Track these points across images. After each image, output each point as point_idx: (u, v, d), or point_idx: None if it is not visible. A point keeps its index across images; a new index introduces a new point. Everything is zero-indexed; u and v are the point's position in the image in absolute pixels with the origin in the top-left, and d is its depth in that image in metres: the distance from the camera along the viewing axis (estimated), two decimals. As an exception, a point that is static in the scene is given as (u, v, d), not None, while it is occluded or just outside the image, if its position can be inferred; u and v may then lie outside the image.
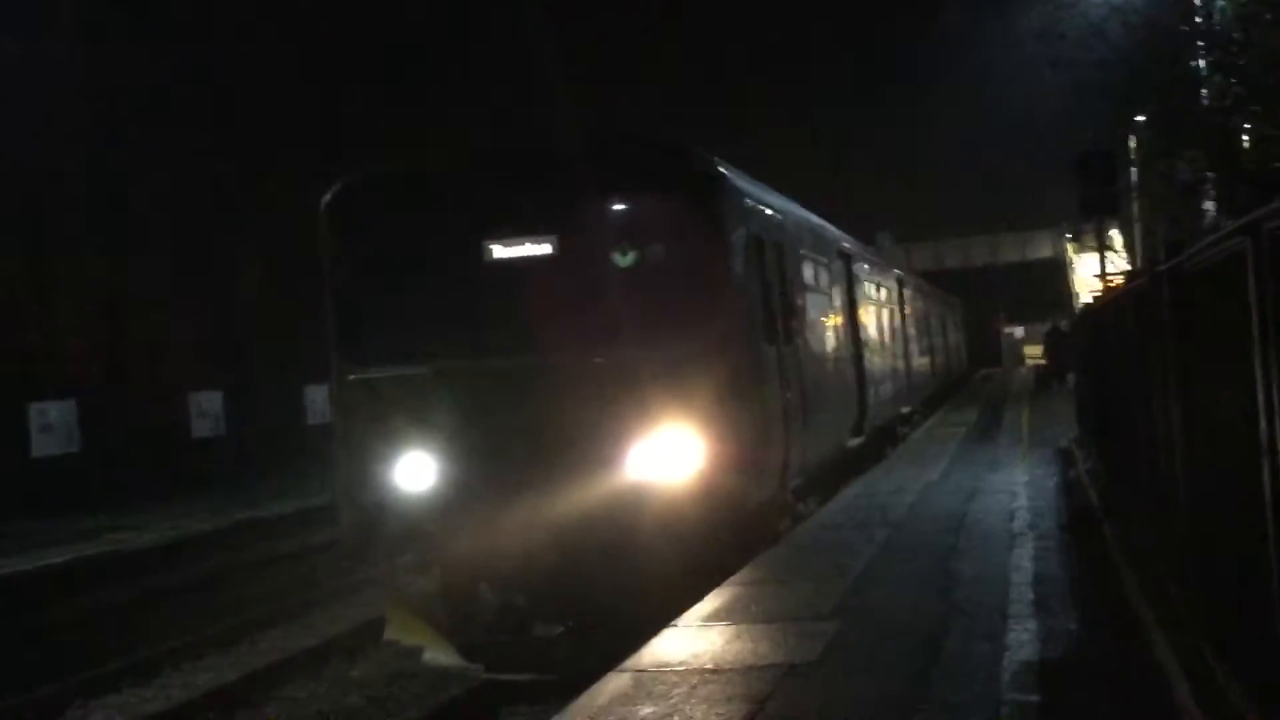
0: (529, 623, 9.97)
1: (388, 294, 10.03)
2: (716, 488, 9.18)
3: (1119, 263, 28.41)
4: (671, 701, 5.88)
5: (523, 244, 9.67)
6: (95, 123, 25.44)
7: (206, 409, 27.54)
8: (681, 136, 10.67)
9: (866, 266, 18.30)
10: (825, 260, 14.34)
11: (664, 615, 7.83)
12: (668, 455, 9.17)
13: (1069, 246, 45.60)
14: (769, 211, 11.46)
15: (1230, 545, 4.68)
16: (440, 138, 27.55)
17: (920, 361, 25.11)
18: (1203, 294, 5.06)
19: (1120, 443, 9.65)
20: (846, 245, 16.76)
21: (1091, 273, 30.21)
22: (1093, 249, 26.66)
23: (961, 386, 38.87)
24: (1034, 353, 46.89)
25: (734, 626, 7.39)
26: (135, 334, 26.75)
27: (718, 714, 5.65)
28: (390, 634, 10.18)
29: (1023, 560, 8.90)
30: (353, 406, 10.15)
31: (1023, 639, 6.59)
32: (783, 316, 11.13)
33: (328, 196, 10.21)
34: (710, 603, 8.15)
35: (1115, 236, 31.81)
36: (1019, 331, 58.44)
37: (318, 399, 28.85)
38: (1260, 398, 3.77)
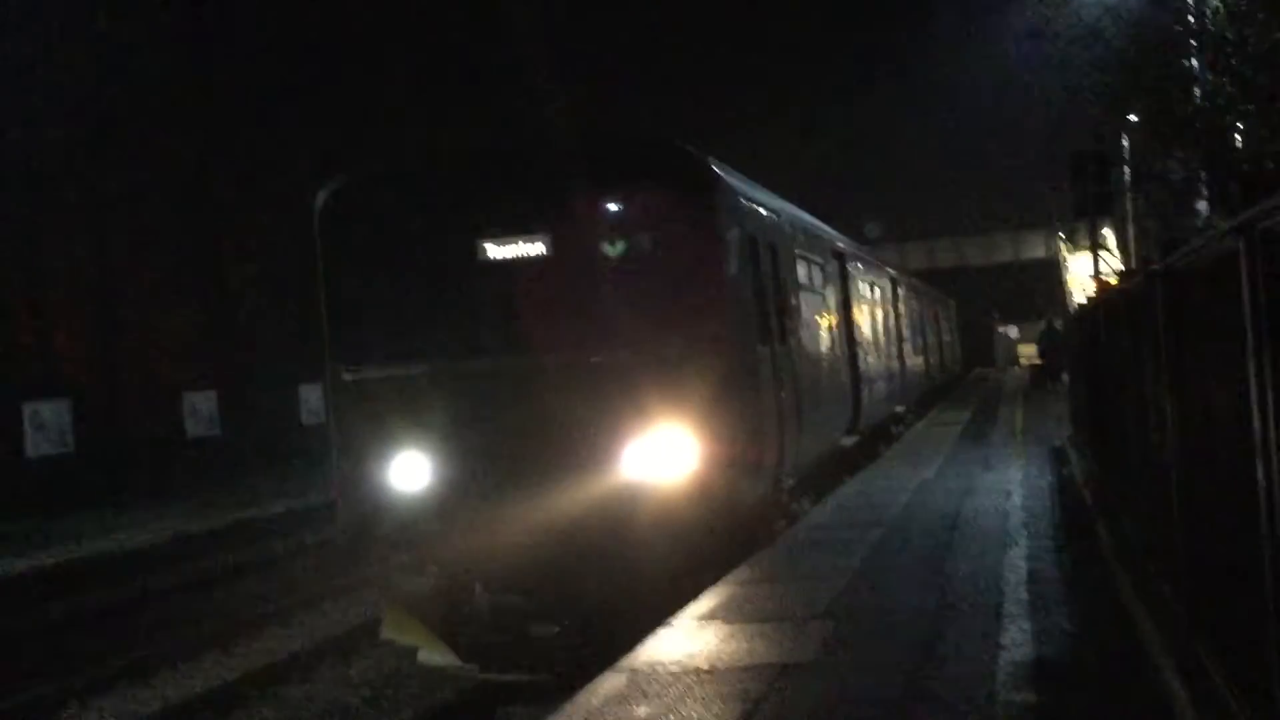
0: (524, 622, 9.96)
1: (382, 294, 10.03)
2: (711, 487, 9.19)
3: (1113, 262, 28.43)
4: (666, 701, 5.89)
5: (517, 243, 9.67)
6: (90, 122, 25.40)
7: (200, 409, 27.50)
8: (676, 135, 10.62)
9: (861, 266, 18.30)
10: (820, 259, 14.33)
11: (659, 615, 7.84)
12: (663, 454, 9.18)
13: (1063, 246, 45.58)
14: (763, 211, 11.46)
15: (1224, 544, 4.69)
16: (440, 138, 27.54)
17: (915, 361, 25.12)
18: (1196, 294, 5.08)
19: (1114, 442, 9.67)
20: (841, 245, 16.78)
21: (1085, 272, 30.22)
22: (1086, 249, 26.67)
23: (956, 386, 38.91)
24: (1028, 352, 46.96)
25: (729, 626, 7.39)
26: (129, 334, 26.72)
27: (713, 714, 5.66)
28: (386, 634, 10.16)
29: (1017, 559, 8.92)
30: (347, 406, 10.16)
31: (1017, 638, 6.60)
32: (777, 316, 11.14)
33: (321, 196, 10.22)
34: (705, 602, 8.15)
35: (1109, 236, 31.82)
36: (1013, 331, 58.44)
37: (312, 399, 28.85)
38: (1254, 397, 3.78)
